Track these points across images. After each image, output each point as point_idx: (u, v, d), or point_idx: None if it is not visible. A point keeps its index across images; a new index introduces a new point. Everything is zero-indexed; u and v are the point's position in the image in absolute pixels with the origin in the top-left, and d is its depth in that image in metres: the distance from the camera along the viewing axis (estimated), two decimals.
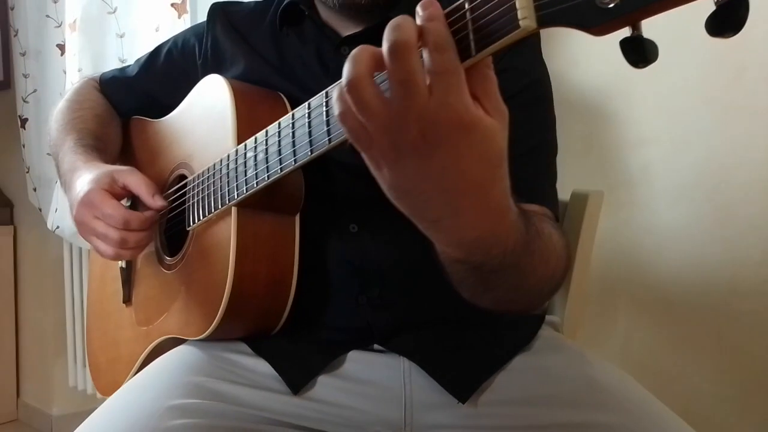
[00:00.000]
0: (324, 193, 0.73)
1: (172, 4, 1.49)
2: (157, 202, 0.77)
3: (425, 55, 0.40)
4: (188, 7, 1.49)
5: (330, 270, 0.74)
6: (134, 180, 0.77)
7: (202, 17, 1.45)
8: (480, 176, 0.43)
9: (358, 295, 0.74)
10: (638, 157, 1.01)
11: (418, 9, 0.41)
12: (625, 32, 0.38)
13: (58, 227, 1.82)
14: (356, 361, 0.73)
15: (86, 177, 0.78)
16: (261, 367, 0.72)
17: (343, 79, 0.42)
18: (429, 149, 0.41)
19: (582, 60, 1.04)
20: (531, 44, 0.76)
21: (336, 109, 0.43)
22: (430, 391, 0.70)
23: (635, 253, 1.02)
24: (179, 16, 1.49)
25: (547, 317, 0.88)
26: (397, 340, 0.74)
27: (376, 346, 0.75)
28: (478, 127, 0.41)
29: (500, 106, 0.43)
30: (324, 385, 0.71)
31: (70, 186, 0.82)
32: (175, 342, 0.77)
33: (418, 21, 0.41)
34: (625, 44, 0.38)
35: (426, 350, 0.72)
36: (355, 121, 0.42)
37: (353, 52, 0.43)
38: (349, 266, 0.74)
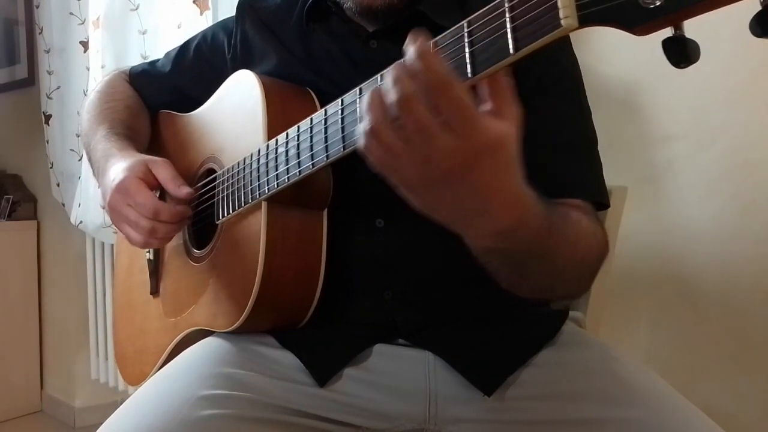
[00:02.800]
0: (351, 189, 0.73)
1: (195, 1, 1.50)
2: (182, 190, 0.77)
3: (431, 99, 0.42)
4: (210, 4, 1.49)
5: (356, 265, 0.75)
6: (164, 173, 0.78)
7: (224, 14, 1.47)
8: (503, 180, 0.46)
9: (384, 289, 0.74)
10: (663, 152, 1.00)
11: (405, 49, 0.43)
12: (667, 32, 0.37)
13: (81, 222, 1.84)
14: (381, 355, 0.74)
15: (121, 164, 0.79)
16: (288, 359, 0.72)
17: (363, 123, 0.44)
18: (457, 177, 0.44)
19: (607, 54, 1.03)
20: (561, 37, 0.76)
21: (360, 141, 0.46)
22: (455, 385, 0.70)
23: (660, 248, 1.01)
24: (201, 13, 1.50)
25: (571, 313, 0.88)
26: (421, 335, 0.74)
27: (400, 340, 0.75)
28: (498, 141, 0.43)
29: (512, 106, 0.45)
30: (349, 378, 0.72)
31: (104, 172, 0.82)
32: (201, 334, 0.78)
33: (408, 63, 0.42)
34: (667, 44, 0.38)
35: (451, 345, 0.73)
36: (381, 156, 0.45)
37: (366, 98, 0.45)
38: (375, 261, 0.74)
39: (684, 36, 0.37)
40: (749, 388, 0.94)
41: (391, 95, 0.43)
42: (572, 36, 0.78)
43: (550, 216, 0.54)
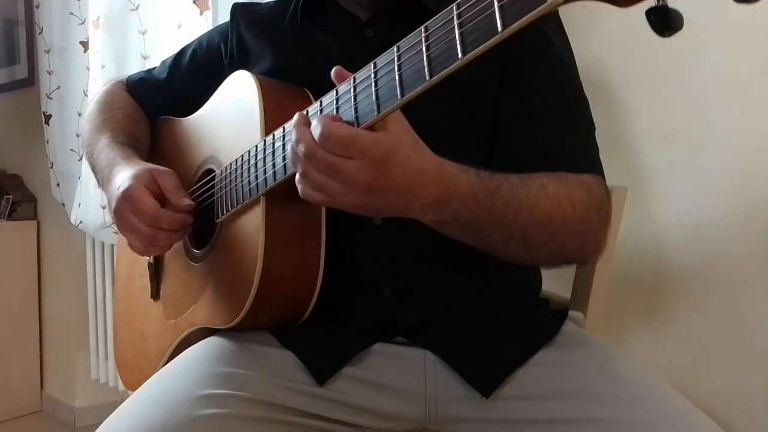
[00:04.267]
0: None
1: (195, 1, 1.50)
2: (183, 202, 0.78)
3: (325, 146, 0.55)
4: (210, 4, 1.50)
5: (355, 263, 0.75)
6: (167, 183, 0.78)
7: (224, 14, 1.47)
8: (411, 166, 0.56)
9: (383, 288, 0.74)
10: (663, 153, 1.00)
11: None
12: (650, 4, 0.38)
13: (81, 222, 1.84)
14: (381, 354, 0.74)
15: (127, 172, 0.80)
16: (287, 359, 0.72)
17: (300, 150, 0.57)
18: (376, 183, 0.55)
19: (606, 55, 1.03)
20: (553, 25, 0.77)
21: (300, 188, 0.60)
22: (454, 384, 0.71)
23: (659, 248, 1.01)
24: (201, 13, 1.50)
25: (570, 313, 0.88)
26: (421, 334, 0.74)
27: (400, 339, 0.75)
28: (381, 145, 0.54)
29: (393, 117, 0.55)
30: (349, 377, 0.72)
31: (109, 180, 0.83)
32: (202, 334, 0.79)
33: (294, 136, 0.58)
34: (651, 14, 0.38)
35: (450, 344, 0.73)
36: (316, 195, 0.59)
37: (297, 136, 0.57)
38: (374, 259, 0.74)
39: (667, 5, 0.38)
40: (749, 387, 0.94)
41: (299, 155, 0.57)
42: (571, 35, 0.79)
43: (487, 182, 0.61)
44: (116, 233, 0.83)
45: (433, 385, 0.72)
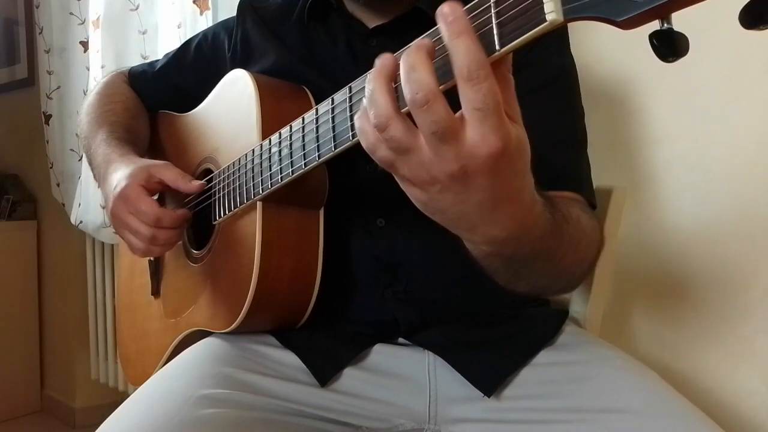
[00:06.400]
0: (351, 188, 0.73)
1: (195, 1, 1.50)
2: (194, 185, 0.77)
3: (459, 85, 0.38)
4: (210, 4, 1.49)
5: (357, 264, 0.75)
6: (170, 175, 0.77)
7: (224, 14, 1.46)
8: (513, 186, 0.44)
9: (384, 288, 0.74)
10: (662, 153, 1.00)
11: (441, 13, 0.39)
12: (654, 25, 0.36)
13: (81, 222, 1.84)
14: (382, 354, 0.74)
15: (123, 171, 0.79)
16: (289, 359, 0.72)
17: (371, 117, 0.41)
18: (468, 179, 0.41)
19: (606, 55, 1.03)
20: (557, 36, 0.76)
21: (363, 142, 0.43)
22: (455, 384, 0.71)
23: (658, 249, 1.01)
24: (201, 13, 1.50)
25: (571, 313, 0.88)
26: (422, 334, 0.74)
27: (401, 340, 0.75)
28: (512, 144, 0.41)
29: (518, 109, 0.43)
30: (350, 377, 0.72)
31: (105, 178, 0.82)
32: (202, 334, 0.79)
33: (443, 32, 0.39)
34: (654, 38, 0.36)
35: (451, 344, 0.73)
36: (387, 153, 0.42)
37: (372, 89, 0.41)
38: (376, 260, 0.74)
39: (672, 29, 0.36)
40: (749, 387, 0.94)
41: (410, 89, 0.39)
42: (572, 35, 0.79)
43: (555, 220, 0.53)
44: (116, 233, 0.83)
45: (433, 386, 0.72)
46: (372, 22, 0.78)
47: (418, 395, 0.72)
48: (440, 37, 0.41)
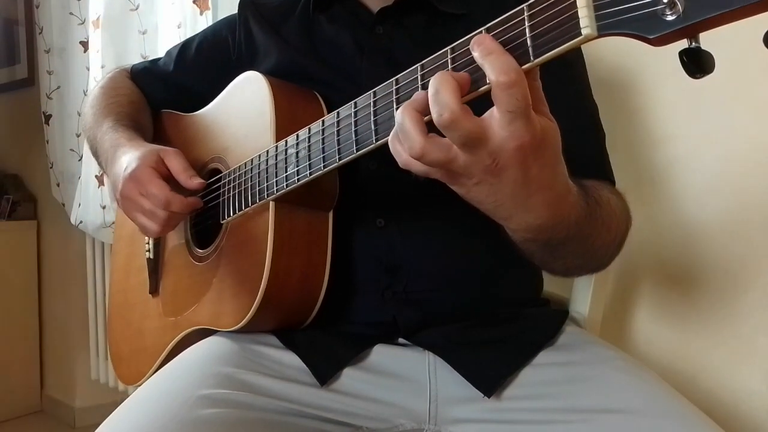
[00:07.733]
0: (351, 188, 0.73)
1: (195, 1, 1.50)
2: (194, 181, 0.76)
3: (493, 90, 0.42)
4: (210, 4, 1.49)
5: (357, 264, 0.75)
6: (176, 164, 0.77)
7: (224, 14, 1.46)
8: (547, 176, 0.47)
9: (385, 289, 0.74)
10: (663, 153, 1.00)
11: (475, 45, 0.44)
12: (683, 43, 0.38)
13: (81, 222, 1.84)
14: (382, 355, 0.74)
15: (133, 153, 0.78)
16: (289, 359, 0.72)
17: (407, 150, 0.46)
18: (500, 171, 0.45)
19: (607, 55, 1.03)
20: None
21: (402, 155, 0.47)
22: (455, 384, 0.71)
23: (658, 249, 1.01)
24: (201, 13, 1.50)
25: (571, 313, 0.88)
26: (422, 335, 0.74)
27: (401, 340, 0.75)
28: (538, 137, 0.44)
29: (546, 104, 0.47)
30: (350, 377, 0.72)
31: (113, 162, 0.81)
32: (202, 334, 0.78)
33: (476, 54, 0.44)
34: (683, 55, 0.39)
35: (451, 344, 0.73)
36: (429, 170, 0.47)
37: (402, 122, 0.46)
38: (376, 260, 0.74)
39: (700, 47, 0.38)
40: (749, 387, 0.94)
41: (439, 113, 0.43)
42: None
43: (588, 206, 0.57)
44: (110, 227, 0.82)
45: (434, 386, 0.72)
46: (377, 5, 0.78)
47: (418, 395, 0.72)
48: (458, 54, 0.46)
